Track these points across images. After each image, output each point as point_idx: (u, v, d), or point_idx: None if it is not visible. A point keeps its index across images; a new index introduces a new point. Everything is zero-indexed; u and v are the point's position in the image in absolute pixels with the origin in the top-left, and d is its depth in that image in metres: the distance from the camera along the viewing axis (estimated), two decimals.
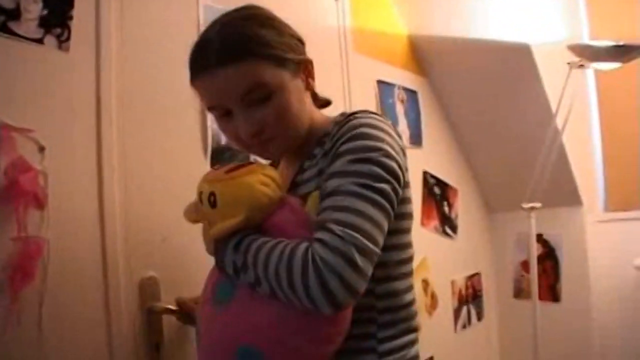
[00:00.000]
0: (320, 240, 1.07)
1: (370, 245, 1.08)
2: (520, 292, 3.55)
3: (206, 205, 1.21)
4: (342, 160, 1.17)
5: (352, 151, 1.17)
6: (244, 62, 1.20)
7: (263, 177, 1.20)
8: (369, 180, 1.13)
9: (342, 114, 1.32)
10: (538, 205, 3.03)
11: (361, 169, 1.14)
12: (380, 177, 1.14)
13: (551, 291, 3.52)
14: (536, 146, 3.08)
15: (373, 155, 1.16)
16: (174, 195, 1.69)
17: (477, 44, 3.10)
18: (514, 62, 3.06)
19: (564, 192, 3.36)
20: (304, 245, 1.08)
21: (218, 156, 2.05)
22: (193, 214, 1.29)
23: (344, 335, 1.17)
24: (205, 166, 1.99)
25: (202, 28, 1.35)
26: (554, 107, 3.04)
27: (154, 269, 1.82)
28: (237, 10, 1.30)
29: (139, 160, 1.81)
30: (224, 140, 2.05)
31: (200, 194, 1.23)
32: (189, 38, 1.31)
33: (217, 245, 1.22)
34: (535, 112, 3.15)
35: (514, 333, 3.60)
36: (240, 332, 1.14)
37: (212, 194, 1.19)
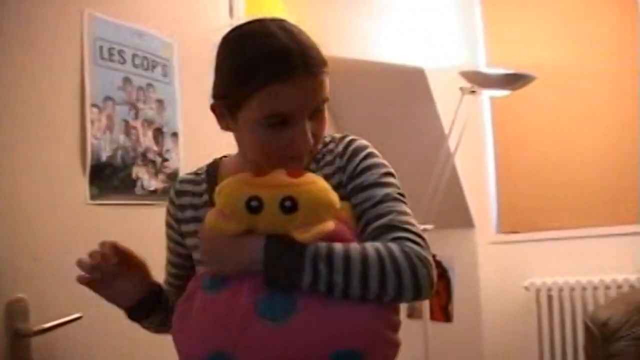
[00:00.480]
0: (409, 240, 1.16)
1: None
2: (413, 312, 3.58)
3: (275, 210, 1.12)
4: (372, 174, 1.27)
5: (377, 166, 1.30)
6: (325, 73, 1.24)
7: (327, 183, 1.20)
8: (399, 189, 1.28)
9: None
10: (430, 227, 3.08)
11: (392, 180, 1.29)
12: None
13: (443, 312, 3.58)
14: (429, 168, 3.13)
15: (390, 170, 1.31)
16: (48, 214, 1.61)
17: (371, 66, 3.13)
18: (408, 85, 3.11)
19: (456, 214, 3.43)
20: (395, 245, 1.14)
21: (99, 173, 1.98)
22: (232, 222, 1.14)
23: None
24: (84, 184, 1.92)
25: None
26: (447, 131, 3.11)
27: (23, 290, 1.74)
28: (284, 22, 1.28)
29: (10, 176, 1.73)
30: (104, 156, 1.98)
31: (258, 196, 1.13)
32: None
33: (276, 251, 1.13)
34: (429, 134, 3.21)
35: (406, 352, 3.61)
36: (330, 337, 1.10)
37: (288, 198, 1.12)
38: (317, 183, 1.16)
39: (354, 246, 1.13)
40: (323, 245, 1.13)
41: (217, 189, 1.19)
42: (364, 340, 1.12)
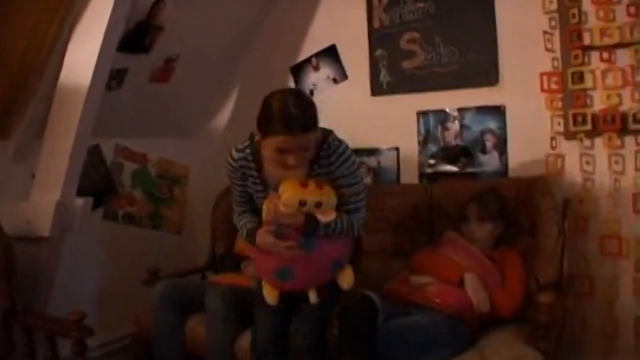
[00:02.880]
0: (361, 216, 2.63)
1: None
2: None
3: (311, 206, 2.44)
4: (349, 177, 2.55)
5: (351, 173, 2.56)
6: (313, 132, 2.37)
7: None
8: (360, 181, 2.63)
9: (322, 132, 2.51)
10: None
11: (357, 179, 2.60)
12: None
13: None
14: None
15: (358, 169, 2.63)
16: None
17: None
18: None
19: None
20: (356, 220, 2.59)
21: None
22: (292, 209, 2.42)
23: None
24: None
25: None
26: None
27: None
28: (296, 90, 2.79)
29: None
30: None
31: (304, 200, 2.42)
32: None
33: (311, 224, 2.44)
34: None
35: None
36: (330, 255, 2.53)
37: (319, 202, 2.45)
38: (329, 194, 2.48)
39: (348, 220, 2.56)
40: (329, 225, 2.49)
41: (281, 187, 2.45)
42: (343, 255, 2.61)
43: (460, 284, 2.76)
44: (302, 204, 2.41)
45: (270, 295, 2.57)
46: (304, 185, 2.42)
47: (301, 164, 2.38)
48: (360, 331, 2.45)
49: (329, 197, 2.45)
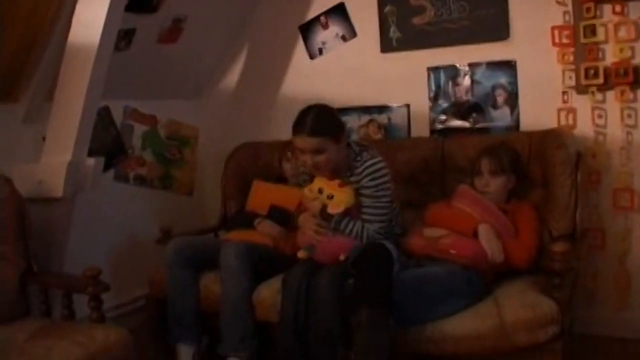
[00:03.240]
0: (375, 230, 2.83)
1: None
2: None
3: (324, 196, 2.84)
4: (372, 190, 2.83)
5: (376, 185, 2.83)
6: (323, 138, 2.77)
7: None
8: (383, 197, 2.85)
9: (357, 146, 2.94)
10: None
11: (381, 193, 2.84)
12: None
13: None
14: None
15: (384, 184, 2.85)
16: None
17: None
18: None
19: None
20: (368, 231, 2.82)
21: None
22: (312, 195, 2.89)
23: None
24: None
25: None
26: None
27: None
28: (324, 105, 2.95)
29: None
30: None
31: (321, 188, 2.86)
32: None
33: (325, 212, 2.83)
34: None
35: None
36: (349, 244, 2.80)
37: (331, 195, 2.83)
38: (346, 193, 2.82)
39: (356, 224, 2.84)
40: (346, 219, 2.84)
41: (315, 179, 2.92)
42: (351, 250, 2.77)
43: (475, 235, 2.77)
44: (320, 191, 2.84)
45: (301, 254, 2.92)
46: (330, 179, 2.85)
47: (322, 167, 2.82)
48: (376, 279, 2.47)
49: (345, 195, 2.81)
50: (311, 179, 2.96)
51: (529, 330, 2.41)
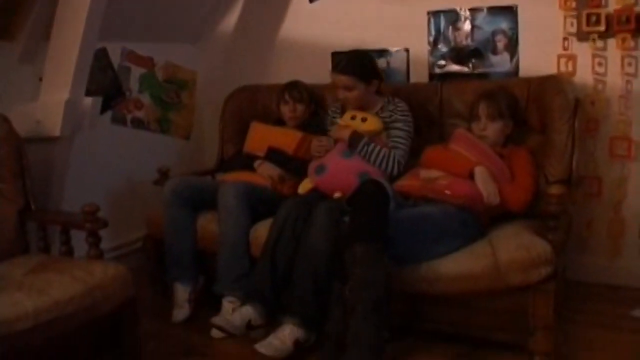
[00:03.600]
0: (397, 155, 3.10)
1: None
2: None
3: (358, 120, 3.14)
4: (400, 124, 3.15)
5: (404, 121, 3.17)
6: (353, 77, 3.13)
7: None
8: (407, 131, 3.18)
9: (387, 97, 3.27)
10: None
11: (406, 128, 3.16)
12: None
13: None
14: None
15: (409, 122, 3.18)
16: None
17: None
18: None
19: None
20: (394, 155, 3.07)
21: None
22: (345, 122, 3.18)
23: None
24: None
25: None
26: None
27: None
28: (365, 51, 3.40)
29: None
30: None
31: (354, 115, 3.17)
32: None
33: (355, 136, 3.07)
34: None
35: None
36: (362, 167, 3.02)
37: (364, 118, 3.14)
38: (376, 119, 3.15)
39: (379, 148, 3.07)
40: (371, 143, 3.08)
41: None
42: (373, 172, 2.99)
43: (471, 177, 2.77)
44: (353, 118, 3.17)
45: (303, 188, 3.17)
46: (360, 110, 3.21)
47: (351, 102, 3.20)
48: (372, 215, 2.48)
49: (375, 120, 3.16)
50: (342, 113, 3.32)
51: (522, 270, 2.43)
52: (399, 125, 3.14)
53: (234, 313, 2.90)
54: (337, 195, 2.97)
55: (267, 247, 2.88)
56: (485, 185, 2.73)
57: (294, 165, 3.32)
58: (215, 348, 2.90)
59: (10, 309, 2.05)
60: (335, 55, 3.89)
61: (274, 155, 3.41)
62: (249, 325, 2.84)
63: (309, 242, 2.75)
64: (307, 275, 2.72)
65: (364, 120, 3.14)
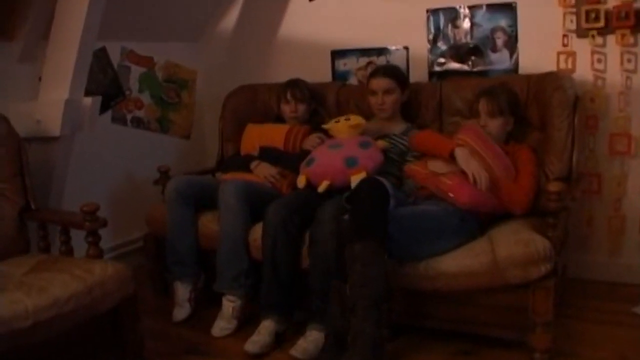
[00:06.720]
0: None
1: None
2: None
3: (343, 121, 3.25)
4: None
5: None
6: (394, 79, 3.28)
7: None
8: None
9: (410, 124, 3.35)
10: None
11: None
12: None
13: None
14: None
15: None
16: None
17: None
18: None
19: None
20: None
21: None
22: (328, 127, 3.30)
23: None
24: None
25: None
26: None
27: None
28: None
29: None
30: None
31: (338, 119, 3.29)
32: None
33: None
34: None
35: None
36: (348, 153, 3.04)
37: (347, 117, 3.28)
38: (355, 115, 3.33)
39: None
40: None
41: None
42: (361, 157, 3.03)
43: (451, 157, 2.78)
44: (337, 121, 3.30)
45: (300, 182, 3.13)
46: (388, 121, 3.35)
47: (387, 107, 3.28)
48: (371, 213, 2.47)
49: (358, 116, 3.31)
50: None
51: (522, 267, 2.43)
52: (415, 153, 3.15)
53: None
54: (325, 183, 2.99)
55: (267, 257, 2.88)
56: (468, 165, 2.72)
57: (287, 159, 3.32)
58: (216, 347, 2.90)
59: (10, 308, 2.06)
60: (335, 53, 3.92)
61: (267, 153, 3.41)
62: (278, 337, 2.85)
63: (320, 247, 2.75)
64: (322, 279, 2.71)
65: (347, 119, 3.26)
